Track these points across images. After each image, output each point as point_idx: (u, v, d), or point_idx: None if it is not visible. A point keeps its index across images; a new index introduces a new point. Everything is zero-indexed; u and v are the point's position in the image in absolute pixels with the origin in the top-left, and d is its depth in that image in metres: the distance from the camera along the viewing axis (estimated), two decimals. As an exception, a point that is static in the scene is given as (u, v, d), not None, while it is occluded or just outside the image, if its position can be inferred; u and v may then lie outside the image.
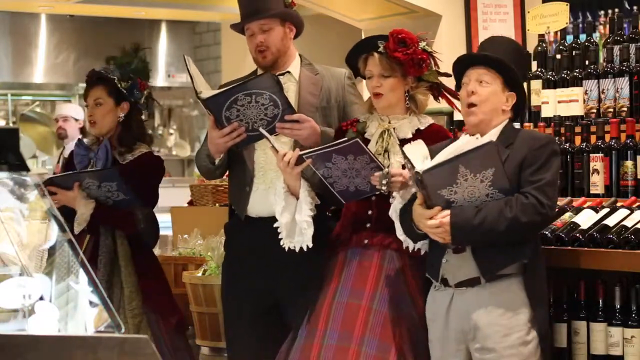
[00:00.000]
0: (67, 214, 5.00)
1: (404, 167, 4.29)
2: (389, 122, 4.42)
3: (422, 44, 4.37)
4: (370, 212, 4.39)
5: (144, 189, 5.07)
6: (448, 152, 3.91)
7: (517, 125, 4.50)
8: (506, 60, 4.09)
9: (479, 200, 3.93)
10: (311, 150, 4.27)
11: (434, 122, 4.50)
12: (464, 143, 3.92)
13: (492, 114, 4.09)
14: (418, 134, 4.39)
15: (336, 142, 4.21)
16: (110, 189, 4.96)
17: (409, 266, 4.33)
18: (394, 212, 4.21)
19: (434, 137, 4.29)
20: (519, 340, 3.99)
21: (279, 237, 4.35)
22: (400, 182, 4.16)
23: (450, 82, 4.51)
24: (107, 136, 5.13)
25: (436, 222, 3.95)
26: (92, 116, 5.10)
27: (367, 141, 4.36)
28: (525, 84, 4.68)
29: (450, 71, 4.57)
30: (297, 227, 4.32)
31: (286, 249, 4.35)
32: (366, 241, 4.37)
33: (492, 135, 4.07)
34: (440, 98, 4.52)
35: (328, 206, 4.48)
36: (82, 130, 8.65)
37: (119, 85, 5.12)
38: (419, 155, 3.98)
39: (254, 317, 4.64)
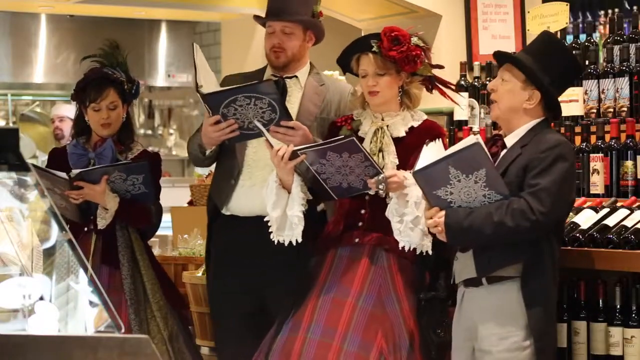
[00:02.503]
0: (84, 209, 5.05)
1: (398, 167, 4.31)
2: (382, 120, 4.42)
3: (414, 40, 4.38)
4: (363, 212, 4.41)
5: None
6: (442, 153, 3.93)
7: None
8: (528, 58, 4.05)
9: (476, 202, 3.93)
10: (306, 146, 4.29)
11: (427, 118, 4.51)
12: (457, 144, 3.94)
13: (511, 112, 4.07)
14: (411, 132, 4.40)
15: (332, 139, 4.24)
16: (136, 182, 4.99)
17: (398, 266, 4.34)
18: (390, 213, 4.22)
19: (427, 134, 4.30)
20: (515, 345, 3.97)
21: (269, 230, 4.36)
22: (397, 183, 4.17)
23: (449, 77, 4.52)
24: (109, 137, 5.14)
25: (432, 222, 3.97)
26: (109, 119, 5.08)
27: (361, 139, 4.37)
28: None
29: (448, 70, 4.58)
30: (287, 222, 4.33)
31: (275, 242, 4.36)
32: (357, 240, 4.39)
33: (516, 135, 4.07)
34: (433, 90, 4.52)
35: (319, 201, 4.49)
36: None
37: (126, 87, 5.15)
38: (434, 156, 3.97)
39: (241, 317, 4.66)
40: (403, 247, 4.23)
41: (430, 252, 4.21)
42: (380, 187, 4.17)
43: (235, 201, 4.67)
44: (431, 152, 4.01)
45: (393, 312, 4.27)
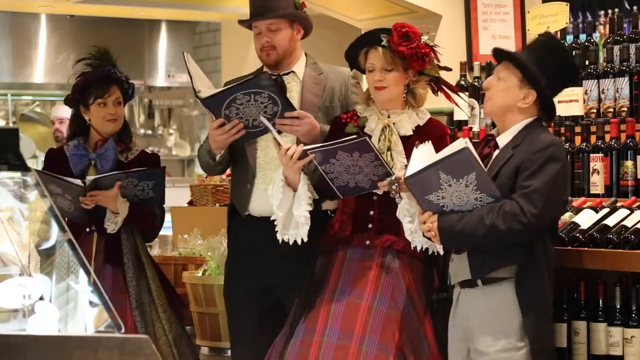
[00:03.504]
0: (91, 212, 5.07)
1: (406, 166, 4.29)
2: (389, 117, 4.42)
3: (424, 38, 4.37)
4: (372, 213, 4.39)
5: None
6: (432, 158, 3.92)
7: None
8: (526, 57, 4.06)
9: (469, 205, 3.92)
10: (316, 145, 4.28)
11: (432, 117, 4.50)
12: (446, 148, 3.92)
13: (504, 110, 4.06)
14: (417, 131, 4.39)
15: (344, 139, 4.20)
16: (146, 187, 5.02)
17: (410, 267, 4.33)
18: (401, 213, 4.21)
19: (432, 132, 4.30)
20: (510, 346, 3.96)
21: (275, 229, 4.36)
22: None
23: (450, 77, 4.51)
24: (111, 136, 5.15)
25: (426, 226, 3.98)
26: (115, 114, 5.11)
27: (367, 136, 4.36)
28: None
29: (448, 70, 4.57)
30: (293, 220, 4.32)
31: (280, 241, 4.35)
32: (368, 242, 4.37)
33: (509, 135, 4.06)
34: (439, 92, 4.52)
35: (324, 199, 4.48)
36: None
37: (126, 87, 5.19)
38: (425, 159, 3.96)
39: (257, 315, 4.66)
40: (414, 248, 4.22)
41: (442, 253, 4.20)
42: (394, 187, 4.15)
43: (253, 204, 4.67)
44: (421, 155, 3.99)
45: (408, 313, 4.26)
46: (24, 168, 2.95)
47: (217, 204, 6.65)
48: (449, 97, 4.53)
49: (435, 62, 4.42)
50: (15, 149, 2.89)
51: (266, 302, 4.66)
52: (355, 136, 4.21)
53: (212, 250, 5.85)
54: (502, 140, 4.08)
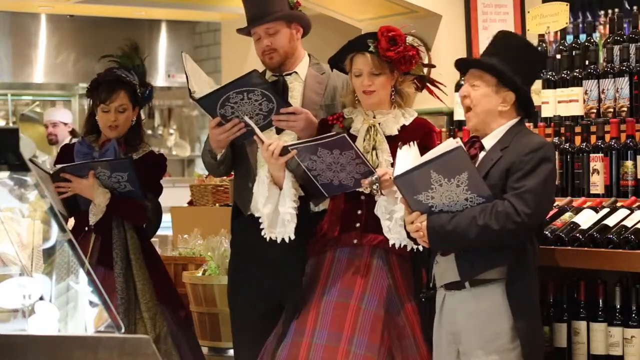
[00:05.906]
0: (72, 206, 5.03)
1: (392, 165, 4.29)
2: (374, 117, 4.42)
3: (409, 40, 4.38)
4: (359, 212, 4.40)
5: (150, 184, 5.11)
6: (419, 159, 3.90)
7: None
8: (495, 61, 4.02)
9: (458, 205, 3.90)
10: (297, 142, 4.30)
11: (418, 115, 4.50)
12: (437, 148, 3.91)
13: (487, 116, 4.05)
14: (403, 130, 4.40)
15: (323, 136, 4.24)
16: (120, 179, 4.97)
17: (398, 266, 4.34)
18: (379, 210, 4.21)
19: (417, 130, 4.31)
20: (501, 347, 3.95)
21: (261, 227, 4.36)
22: (389, 181, 4.16)
23: (450, 77, 4.51)
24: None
25: (414, 227, 3.95)
26: (116, 121, 5.08)
27: (353, 137, 4.37)
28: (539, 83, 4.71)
29: (448, 70, 4.57)
30: (279, 219, 4.33)
31: (267, 239, 4.36)
32: (355, 241, 4.38)
33: (494, 137, 4.05)
34: (423, 89, 4.52)
35: (310, 198, 4.48)
36: (73, 133, 8.71)
37: (138, 91, 5.15)
38: (411, 160, 3.95)
39: (259, 316, 4.66)
40: (401, 246, 4.22)
41: (420, 249, 4.20)
42: (374, 187, 4.16)
43: (255, 204, 4.67)
44: (407, 156, 3.97)
45: (396, 312, 4.27)
46: (24, 168, 2.95)
47: (217, 204, 6.66)
48: (431, 92, 4.54)
49: (420, 61, 4.43)
50: (15, 149, 2.89)
51: (268, 303, 4.66)
52: (334, 132, 4.23)
53: (212, 250, 5.86)
54: (488, 142, 4.07)
